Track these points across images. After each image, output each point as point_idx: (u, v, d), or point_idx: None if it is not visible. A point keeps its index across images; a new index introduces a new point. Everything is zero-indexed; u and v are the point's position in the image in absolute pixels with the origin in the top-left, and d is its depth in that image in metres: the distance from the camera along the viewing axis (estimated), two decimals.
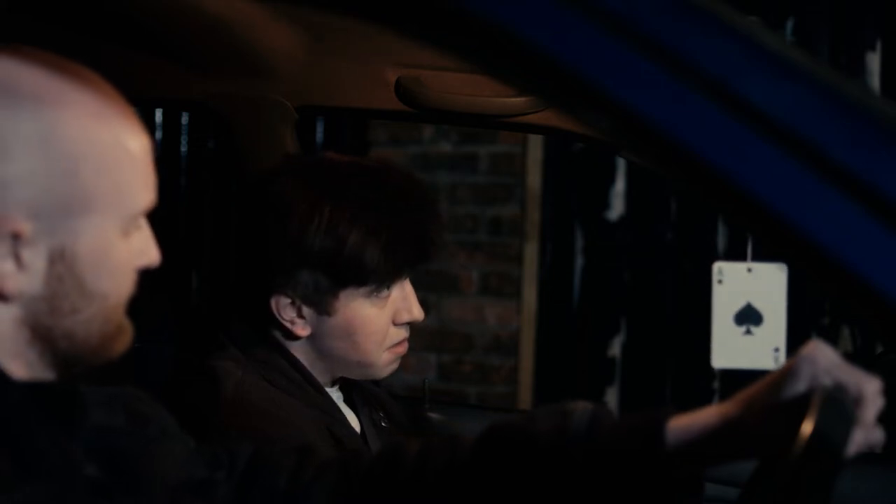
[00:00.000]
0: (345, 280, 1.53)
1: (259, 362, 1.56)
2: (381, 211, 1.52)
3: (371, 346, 1.58)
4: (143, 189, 1.00)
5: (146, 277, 1.04)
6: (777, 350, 1.02)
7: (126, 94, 1.01)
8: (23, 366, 0.97)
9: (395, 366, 1.63)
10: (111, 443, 1.06)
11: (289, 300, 1.54)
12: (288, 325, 1.56)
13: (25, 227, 0.92)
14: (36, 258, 0.93)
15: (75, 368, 1.01)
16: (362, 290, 1.54)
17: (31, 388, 0.96)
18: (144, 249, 1.02)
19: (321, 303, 1.54)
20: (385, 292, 1.56)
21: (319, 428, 1.53)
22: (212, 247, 3.96)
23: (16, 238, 0.92)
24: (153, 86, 1.85)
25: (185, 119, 4.10)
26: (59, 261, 0.94)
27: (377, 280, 1.54)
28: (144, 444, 1.10)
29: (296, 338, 1.57)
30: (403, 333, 1.61)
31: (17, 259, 0.92)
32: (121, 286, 1.00)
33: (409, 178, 1.60)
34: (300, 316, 1.55)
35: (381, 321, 1.57)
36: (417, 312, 1.60)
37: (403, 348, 1.62)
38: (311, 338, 1.57)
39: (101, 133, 0.96)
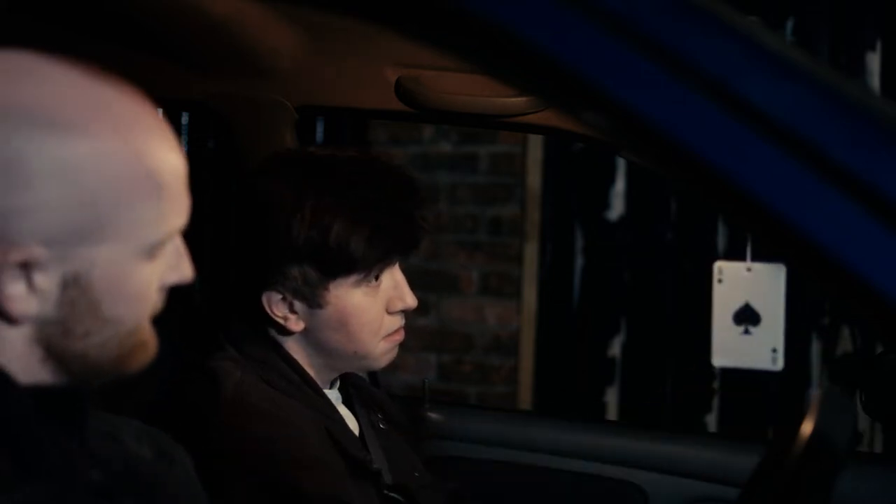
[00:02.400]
0: (333, 270, 1.53)
1: (257, 363, 1.56)
2: (364, 199, 1.53)
3: (366, 336, 1.57)
4: (170, 215, 0.98)
5: None
6: (775, 351, 1.02)
7: None
8: (36, 379, 0.97)
9: (392, 355, 1.62)
10: (135, 468, 1.07)
11: (280, 296, 1.54)
12: (281, 321, 1.56)
13: (39, 253, 0.91)
14: (49, 283, 0.92)
15: (91, 383, 1.01)
16: (351, 279, 1.54)
17: (34, 391, 0.96)
18: (175, 266, 1.01)
19: (312, 296, 1.54)
20: (375, 281, 1.56)
21: (318, 429, 1.53)
22: (212, 247, 3.96)
23: (28, 264, 0.91)
24: (153, 86, 1.84)
25: (185, 119, 4.10)
26: (73, 286, 0.93)
27: (365, 268, 1.53)
28: (168, 480, 1.11)
29: (290, 333, 1.57)
30: (398, 321, 1.61)
31: (30, 283, 0.92)
32: (140, 310, 0.99)
33: (391, 166, 1.60)
34: (292, 311, 1.56)
35: (373, 310, 1.57)
36: (410, 300, 1.60)
37: (400, 336, 1.62)
38: (306, 332, 1.57)
39: (124, 163, 0.94)
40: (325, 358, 1.60)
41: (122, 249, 0.94)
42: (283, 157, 1.61)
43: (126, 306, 0.97)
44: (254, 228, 1.55)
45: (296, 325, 1.56)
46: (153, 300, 1.00)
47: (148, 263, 0.97)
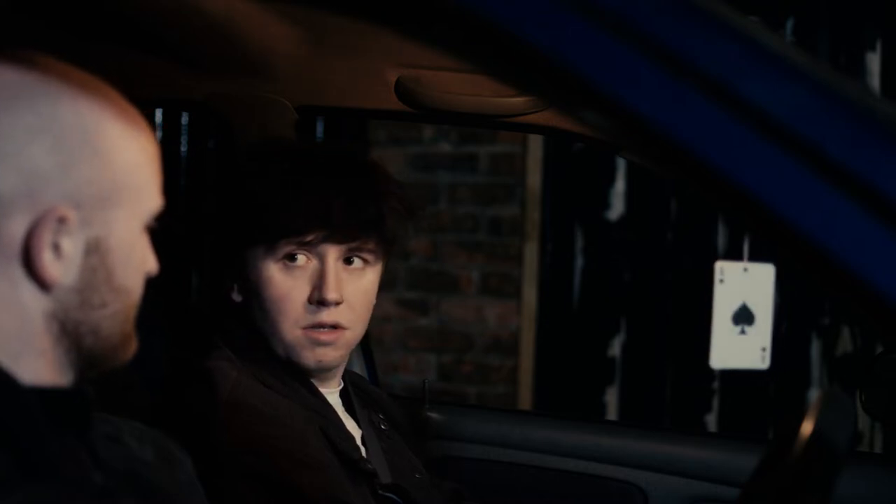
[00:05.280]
0: (244, 236, 1.57)
1: (251, 363, 1.56)
2: (287, 179, 1.56)
3: (277, 316, 1.56)
4: (157, 191, 1.04)
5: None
6: (764, 350, 1.02)
7: (126, 94, 1.02)
8: (48, 364, 0.98)
9: (321, 357, 1.57)
10: (136, 469, 1.08)
11: (223, 271, 1.63)
12: (229, 291, 1.62)
13: (70, 214, 0.95)
14: (74, 248, 0.96)
15: (92, 372, 1.02)
16: (262, 249, 1.56)
17: (37, 392, 0.96)
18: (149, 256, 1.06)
19: (233, 264, 1.60)
20: (292, 262, 1.56)
21: (314, 429, 1.53)
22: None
23: (61, 225, 0.95)
24: (153, 86, 1.85)
25: (185, 119, 4.10)
26: (94, 252, 0.98)
27: (272, 237, 1.55)
28: (170, 483, 1.12)
29: (236, 306, 1.61)
30: (320, 317, 1.56)
31: (57, 248, 0.96)
32: (139, 284, 1.03)
33: (335, 155, 1.63)
34: (233, 281, 1.62)
35: (287, 289, 1.55)
36: (329, 293, 1.54)
37: (326, 337, 1.57)
38: (245, 307, 1.60)
39: (130, 133, 1.01)
40: (267, 341, 1.59)
41: (131, 216, 1.00)
42: (252, 147, 1.70)
43: (133, 276, 1.02)
44: (203, 215, 1.66)
45: (236, 296, 1.61)
46: (142, 281, 1.04)
47: (143, 238, 1.03)
